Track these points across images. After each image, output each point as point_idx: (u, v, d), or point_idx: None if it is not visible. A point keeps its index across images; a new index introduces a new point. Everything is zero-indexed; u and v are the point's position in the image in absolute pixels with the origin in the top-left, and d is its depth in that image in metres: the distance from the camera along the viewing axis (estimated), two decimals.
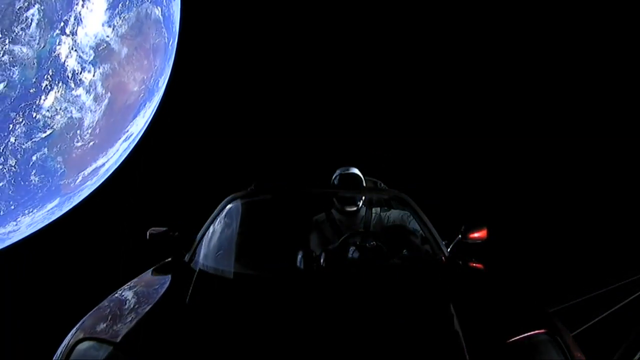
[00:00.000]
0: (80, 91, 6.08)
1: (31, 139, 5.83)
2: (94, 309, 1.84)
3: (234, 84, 7.26)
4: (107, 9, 6.02)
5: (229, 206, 2.65)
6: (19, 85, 5.53)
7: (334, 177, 2.85)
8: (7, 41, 5.34)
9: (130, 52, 6.57)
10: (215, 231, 2.56)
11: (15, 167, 5.75)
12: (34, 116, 5.73)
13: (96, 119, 6.37)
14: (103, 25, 6.01)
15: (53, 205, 6.47)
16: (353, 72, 7.56)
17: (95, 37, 6.06)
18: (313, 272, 2.07)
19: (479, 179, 6.95)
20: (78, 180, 6.63)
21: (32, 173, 5.92)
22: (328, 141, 7.16)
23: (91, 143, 6.40)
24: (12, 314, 4.82)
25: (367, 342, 1.55)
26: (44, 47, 5.62)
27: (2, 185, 5.73)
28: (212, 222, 2.56)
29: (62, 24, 5.75)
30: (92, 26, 5.86)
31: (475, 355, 1.46)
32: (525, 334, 1.55)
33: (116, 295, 1.98)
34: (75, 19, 5.83)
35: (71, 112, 6.15)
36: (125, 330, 1.63)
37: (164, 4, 6.79)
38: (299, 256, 2.14)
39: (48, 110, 5.84)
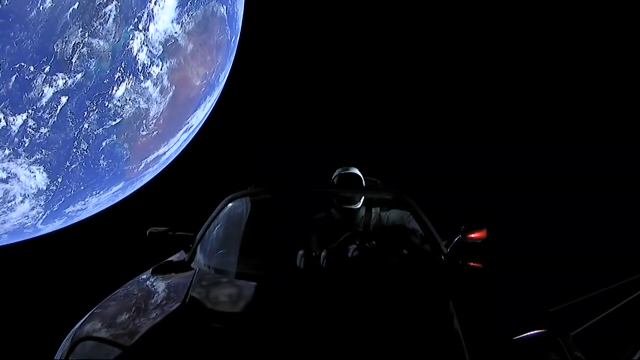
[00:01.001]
0: (148, 84, 6.42)
1: (102, 126, 6.18)
2: (94, 309, 1.84)
3: (292, 81, 7.46)
4: (177, 7, 6.32)
5: (229, 206, 2.64)
6: (94, 76, 5.87)
7: (334, 177, 2.84)
8: (86, 35, 5.63)
9: (195, 49, 6.88)
10: (215, 231, 2.56)
11: (87, 152, 6.10)
12: (106, 105, 6.08)
13: (161, 111, 6.71)
14: (172, 22, 6.31)
15: (118, 188, 6.83)
16: (362, 74, 7.73)
17: (165, 34, 6.37)
18: (313, 272, 2.08)
19: (479, 179, 6.99)
20: (141, 167, 6.97)
21: (102, 158, 6.29)
22: (328, 141, 7.23)
23: (155, 133, 6.75)
24: (12, 314, 4.82)
25: (368, 342, 1.55)
26: (118, 41, 5.93)
27: (75, 167, 6.05)
28: (212, 222, 2.56)
29: (136, 20, 6.06)
30: (162, 23, 6.19)
31: (475, 355, 1.46)
32: (525, 334, 1.56)
33: (116, 295, 1.98)
34: (148, 16, 6.13)
35: (139, 103, 6.49)
36: (125, 330, 1.64)
37: (229, 2, 7.05)
38: (299, 256, 2.15)
39: (119, 101, 6.20)
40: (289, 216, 2.74)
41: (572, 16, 6.82)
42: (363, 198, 2.74)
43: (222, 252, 2.45)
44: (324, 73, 7.35)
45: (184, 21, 6.48)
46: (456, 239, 2.52)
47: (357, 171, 2.79)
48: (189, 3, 6.47)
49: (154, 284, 2.09)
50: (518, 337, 1.54)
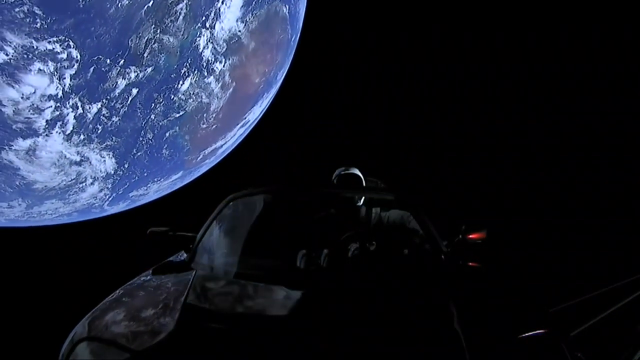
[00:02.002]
0: (211, 79, 6.89)
1: (167, 118, 6.74)
2: (94, 309, 1.85)
3: (348, 81, 7.53)
4: (242, 6, 6.69)
5: (228, 206, 2.64)
6: (163, 70, 6.42)
7: (334, 176, 2.84)
8: (158, 31, 6.15)
9: (256, 47, 7.24)
10: (215, 231, 2.55)
11: (152, 141, 6.68)
12: (171, 98, 6.61)
13: (220, 105, 7.16)
14: (237, 20, 6.70)
15: (177, 177, 7.38)
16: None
17: (229, 32, 6.78)
18: (313, 272, 2.06)
19: (479, 180, 6.95)
20: (199, 158, 7.47)
21: (164, 147, 6.85)
22: (328, 141, 7.31)
23: (214, 126, 7.22)
24: (12, 314, 4.87)
25: (368, 342, 1.54)
26: (186, 38, 6.42)
27: (140, 154, 6.63)
28: (212, 221, 2.56)
29: (203, 18, 6.53)
30: (228, 21, 6.60)
31: (475, 354, 1.47)
32: (526, 334, 1.56)
33: (116, 295, 1.98)
34: (215, 14, 6.56)
35: (202, 97, 6.99)
36: (125, 330, 1.64)
37: (292, 2, 7.32)
38: (299, 256, 2.13)
39: (183, 94, 6.72)
40: (289, 216, 2.74)
41: (563, 17, 6.71)
42: (363, 198, 2.73)
43: (221, 252, 2.44)
44: (379, 78, 7.22)
45: (247, 20, 6.70)
46: (456, 239, 2.49)
47: (357, 171, 2.80)
48: (254, 2, 6.68)
49: (154, 284, 2.08)
50: (518, 337, 1.54)
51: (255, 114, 7.82)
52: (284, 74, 7.61)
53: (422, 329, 1.63)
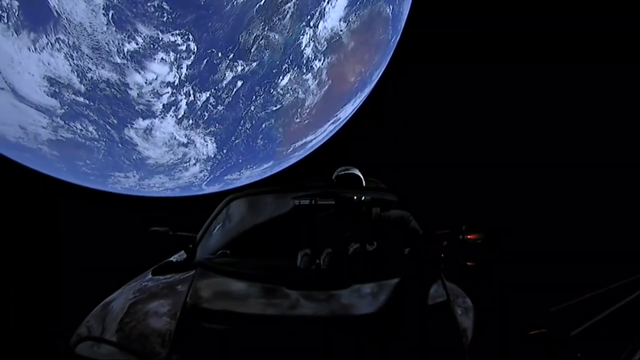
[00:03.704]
0: (309, 76, 7.31)
1: (265, 110, 7.37)
2: (94, 309, 1.87)
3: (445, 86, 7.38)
4: (346, 6, 6.93)
5: (228, 206, 2.65)
6: (266, 65, 7.02)
7: (334, 176, 2.81)
8: (266, 28, 6.73)
9: (356, 46, 7.45)
10: (215, 231, 2.57)
11: (249, 130, 7.38)
12: (271, 92, 7.19)
13: (315, 102, 7.56)
14: (340, 20, 6.97)
15: (267, 166, 8.00)
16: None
17: (331, 31, 7.08)
18: (313, 272, 2.07)
19: (478, 180, 6.83)
20: (289, 150, 7.98)
21: (260, 137, 7.51)
22: (328, 142, 7.53)
23: (306, 121, 7.65)
24: (12, 315, 4.86)
25: (368, 341, 1.55)
26: (291, 36, 6.91)
27: (238, 142, 7.38)
28: (212, 221, 2.57)
29: (309, 17, 6.95)
30: (331, 20, 6.91)
31: (475, 354, 1.47)
32: (526, 334, 1.57)
33: (116, 295, 1.99)
34: (319, 14, 6.92)
35: (298, 92, 7.47)
36: (126, 330, 1.65)
37: (396, 2, 7.32)
38: (299, 255, 2.14)
39: (282, 89, 7.27)
40: (289, 216, 2.74)
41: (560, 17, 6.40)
42: (363, 198, 2.70)
43: (222, 252, 2.45)
44: (479, 87, 6.70)
45: (350, 20, 6.70)
46: (455, 239, 2.46)
47: (357, 171, 2.78)
48: (358, 2, 6.63)
49: (154, 284, 2.08)
50: (518, 337, 1.55)
51: (347, 112, 7.85)
52: (380, 74, 7.47)
53: (422, 329, 1.63)
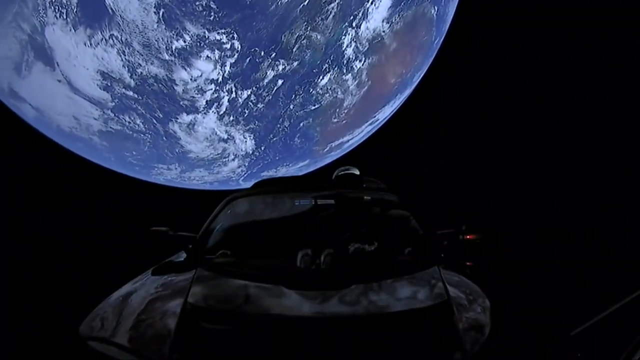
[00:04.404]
0: (348, 77, 7.39)
1: (303, 109, 7.53)
2: (94, 309, 1.83)
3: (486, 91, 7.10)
4: (390, 7, 6.90)
5: (228, 206, 2.62)
6: (307, 65, 7.17)
7: (334, 176, 2.76)
8: (309, 28, 6.89)
9: (397, 47, 7.42)
10: (215, 230, 2.53)
11: (287, 129, 7.60)
12: (310, 91, 7.34)
13: (353, 102, 7.65)
14: (383, 21, 6.96)
15: (303, 164, 8.17)
16: None
17: (374, 31, 7.11)
18: (313, 272, 2.01)
19: (478, 180, 6.50)
20: (326, 150, 8.08)
21: (297, 136, 7.70)
22: (458, 150, 6.89)
23: (344, 121, 7.73)
24: (12, 315, 4.60)
25: (368, 341, 1.51)
26: (333, 36, 7.00)
27: (276, 140, 7.63)
28: (212, 221, 2.55)
29: (351, 17, 7.03)
30: (374, 21, 6.92)
31: (475, 354, 1.44)
32: (526, 334, 1.53)
33: (116, 295, 1.95)
34: (362, 14, 6.98)
35: (337, 93, 7.55)
36: (126, 330, 1.61)
37: (442, 3, 7.19)
38: (299, 255, 2.08)
39: (321, 89, 7.40)
40: (289, 216, 2.65)
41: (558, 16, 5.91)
42: (363, 198, 2.64)
43: (222, 252, 2.39)
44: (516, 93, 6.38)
45: (393, 20, 6.63)
46: (455, 239, 2.42)
47: (356, 171, 2.71)
48: (402, 3, 6.54)
49: (154, 284, 2.02)
50: (518, 337, 1.51)
51: (385, 113, 7.76)
52: (421, 76, 7.27)
53: (422, 329, 1.58)
